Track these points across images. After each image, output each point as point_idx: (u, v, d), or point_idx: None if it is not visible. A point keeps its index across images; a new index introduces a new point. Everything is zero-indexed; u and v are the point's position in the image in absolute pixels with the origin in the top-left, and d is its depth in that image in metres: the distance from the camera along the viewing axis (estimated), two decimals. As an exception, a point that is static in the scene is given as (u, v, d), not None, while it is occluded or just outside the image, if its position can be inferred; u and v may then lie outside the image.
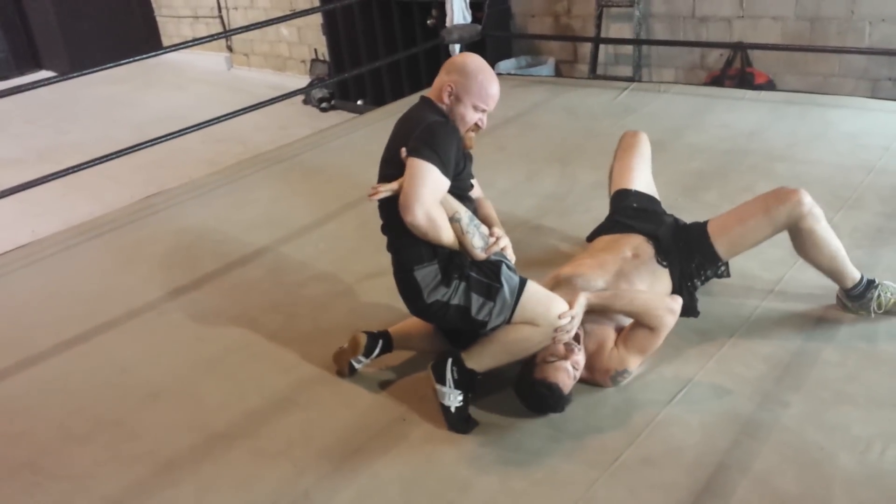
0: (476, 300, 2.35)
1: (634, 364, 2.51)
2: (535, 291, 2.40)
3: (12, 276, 3.86)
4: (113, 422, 2.67)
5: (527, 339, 2.39)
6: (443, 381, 2.41)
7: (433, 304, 2.39)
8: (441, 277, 2.37)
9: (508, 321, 2.38)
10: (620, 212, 2.94)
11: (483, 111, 2.48)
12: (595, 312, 2.51)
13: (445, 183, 2.33)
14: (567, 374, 2.37)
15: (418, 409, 2.54)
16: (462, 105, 2.44)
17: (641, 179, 3.05)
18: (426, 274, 2.37)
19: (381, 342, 2.67)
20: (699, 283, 2.74)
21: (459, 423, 2.42)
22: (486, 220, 2.54)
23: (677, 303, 2.50)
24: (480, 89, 2.44)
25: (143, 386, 2.85)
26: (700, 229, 2.72)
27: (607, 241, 2.84)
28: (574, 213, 3.81)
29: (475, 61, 2.49)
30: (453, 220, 2.34)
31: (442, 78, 2.48)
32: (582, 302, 2.43)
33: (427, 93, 2.53)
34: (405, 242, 2.38)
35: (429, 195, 2.28)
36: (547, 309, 2.37)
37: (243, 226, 4.14)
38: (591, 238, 2.98)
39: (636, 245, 2.74)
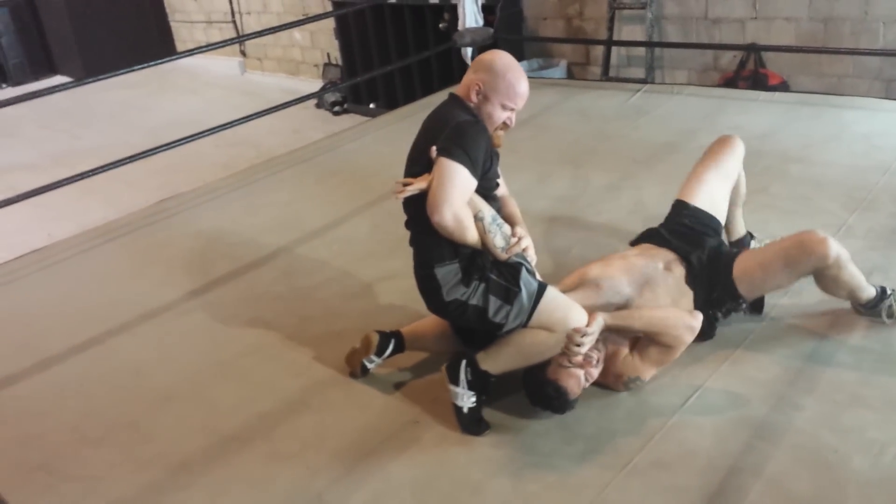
0: (494, 302, 2.35)
1: (648, 373, 2.50)
2: (553, 297, 2.40)
3: (28, 279, 3.89)
4: (127, 424, 2.69)
5: (542, 344, 2.38)
6: (456, 382, 2.41)
7: (452, 303, 2.39)
8: (461, 277, 2.37)
9: (525, 325, 2.38)
10: (668, 224, 2.89)
11: (511, 110, 2.47)
12: (612, 330, 2.48)
13: (473, 183, 2.33)
14: (577, 382, 2.38)
15: (431, 411, 2.54)
16: (490, 104, 2.43)
17: (707, 194, 2.90)
18: (447, 272, 2.37)
19: (393, 341, 2.67)
20: (720, 315, 2.71)
21: (472, 424, 2.42)
22: (509, 219, 2.54)
23: (697, 319, 2.47)
24: (508, 88, 2.43)
25: (156, 388, 2.86)
26: (727, 265, 2.68)
27: (644, 249, 2.81)
28: (586, 216, 3.81)
29: (504, 59, 2.47)
30: (476, 219, 2.34)
31: (470, 76, 2.47)
32: (599, 322, 2.38)
33: (455, 90, 2.52)
34: (428, 240, 2.39)
35: (457, 196, 2.29)
36: (564, 316, 2.36)
37: (257, 229, 4.16)
38: (634, 243, 2.92)
39: (670, 261, 2.71)
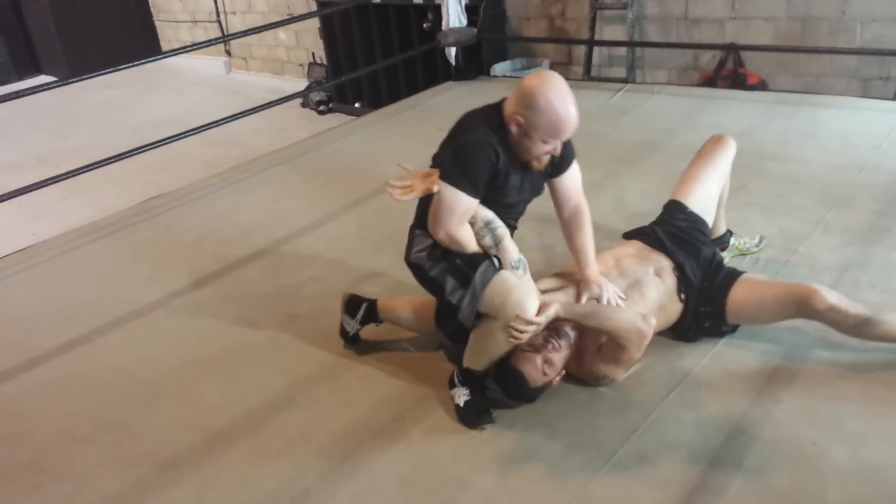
0: (450, 283, 2.40)
1: (614, 371, 2.51)
2: (498, 282, 2.37)
3: (13, 279, 3.89)
4: (114, 423, 2.70)
5: (490, 335, 2.40)
6: (451, 385, 2.51)
7: (413, 264, 2.52)
8: (430, 250, 2.45)
9: (477, 311, 2.41)
10: (665, 225, 2.83)
11: (555, 143, 2.37)
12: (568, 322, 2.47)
13: (473, 203, 2.36)
14: (535, 367, 2.38)
15: (417, 408, 2.57)
16: (529, 139, 2.33)
17: (702, 196, 2.87)
18: (420, 237, 2.49)
19: (365, 305, 2.83)
20: (705, 326, 2.70)
21: (468, 416, 2.45)
22: (576, 253, 2.61)
23: (649, 325, 2.44)
24: (551, 127, 2.30)
25: (143, 387, 2.87)
26: (722, 288, 2.64)
27: (638, 248, 2.76)
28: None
29: (547, 94, 2.29)
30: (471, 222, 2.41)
31: (512, 107, 2.34)
32: (550, 313, 2.38)
33: (507, 99, 2.41)
34: (424, 208, 2.48)
35: (452, 221, 2.35)
36: (502, 303, 2.34)
37: (242, 228, 4.17)
38: (628, 236, 2.89)
39: (662, 267, 2.68)
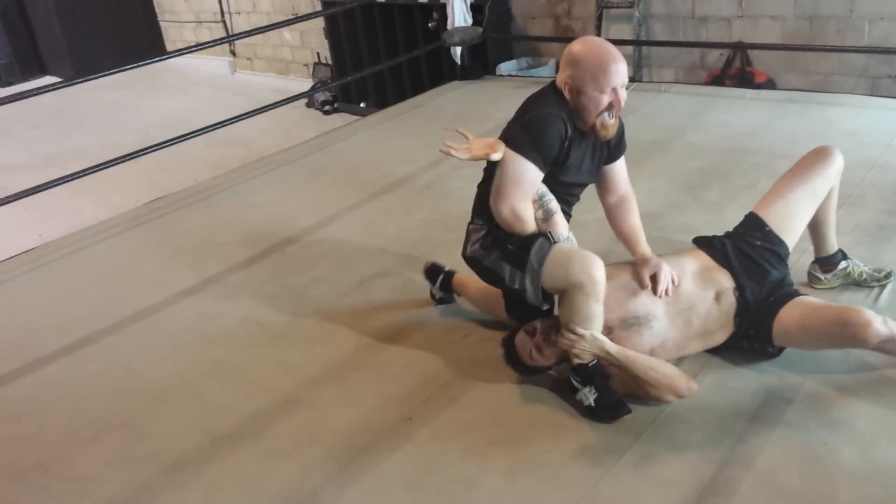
0: (507, 269, 2.43)
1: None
2: (556, 254, 2.36)
3: (19, 279, 3.88)
4: (120, 423, 2.69)
5: (572, 305, 2.33)
6: (573, 391, 2.45)
7: (470, 258, 2.58)
8: (482, 240, 2.49)
9: (542, 289, 2.40)
10: (737, 240, 2.66)
11: (613, 90, 2.36)
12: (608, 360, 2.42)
13: (539, 176, 2.38)
14: (525, 349, 2.50)
15: (424, 409, 2.56)
16: (585, 96, 2.37)
17: (786, 215, 2.67)
18: (475, 229, 2.55)
19: (442, 276, 2.98)
20: (745, 345, 2.59)
21: (602, 413, 2.39)
22: (626, 238, 2.64)
23: (691, 390, 2.39)
24: (597, 72, 2.33)
25: (149, 388, 2.87)
26: (771, 312, 2.49)
27: (703, 263, 2.60)
28: (576, 213, 3.78)
29: (586, 49, 2.38)
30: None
31: (561, 74, 2.41)
32: (599, 344, 2.36)
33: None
34: (481, 196, 2.55)
35: (518, 193, 2.37)
36: (567, 272, 2.31)
37: (248, 228, 4.16)
38: (697, 242, 2.73)
39: (724, 290, 2.53)
